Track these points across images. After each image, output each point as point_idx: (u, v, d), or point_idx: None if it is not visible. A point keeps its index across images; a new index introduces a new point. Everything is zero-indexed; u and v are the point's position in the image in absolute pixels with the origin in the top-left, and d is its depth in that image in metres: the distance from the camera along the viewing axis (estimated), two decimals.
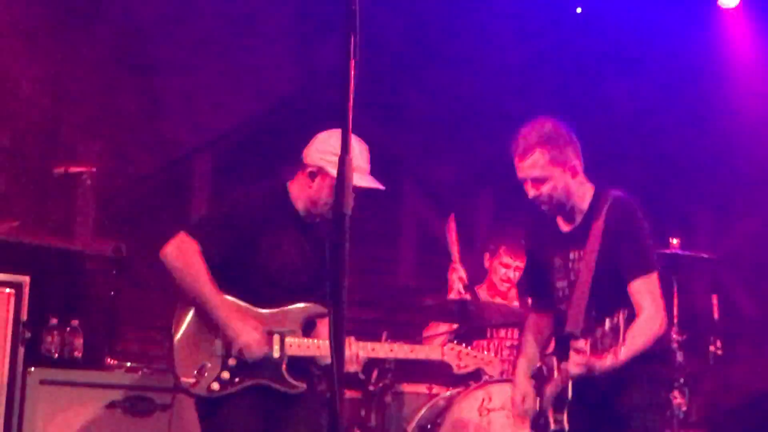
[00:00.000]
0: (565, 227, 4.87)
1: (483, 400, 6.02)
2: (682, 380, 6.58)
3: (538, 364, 4.91)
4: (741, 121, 8.94)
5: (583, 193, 4.82)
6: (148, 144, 8.14)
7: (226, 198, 5.12)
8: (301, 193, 5.00)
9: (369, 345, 5.12)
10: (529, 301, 5.24)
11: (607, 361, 4.31)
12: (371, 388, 6.12)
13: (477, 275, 7.09)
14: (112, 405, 5.85)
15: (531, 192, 4.77)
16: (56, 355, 6.06)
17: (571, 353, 4.45)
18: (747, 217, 9.24)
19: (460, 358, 5.29)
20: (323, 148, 4.93)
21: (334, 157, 4.81)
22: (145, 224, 7.98)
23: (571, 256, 4.78)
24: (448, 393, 6.20)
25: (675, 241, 6.42)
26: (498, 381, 6.01)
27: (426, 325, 6.85)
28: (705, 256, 6.85)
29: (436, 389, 6.37)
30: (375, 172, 4.96)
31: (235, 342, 4.80)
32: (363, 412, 6.24)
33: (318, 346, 4.90)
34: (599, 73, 8.69)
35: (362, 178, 4.87)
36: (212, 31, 8.20)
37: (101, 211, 7.90)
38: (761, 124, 8.87)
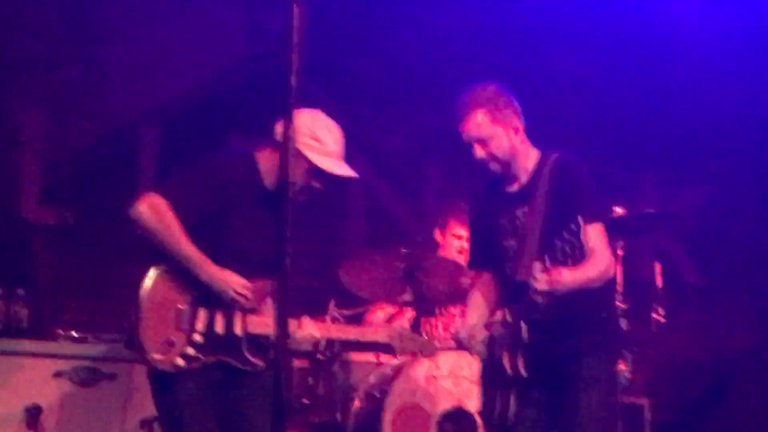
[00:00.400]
0: (510, 188, 4.97)
1: (430, 368, 6.07)
2: (625, 348, 6.66)
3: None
4: (687, 89, 9.01)
5: (527, 153, 4.97)
6: (94, 113, 8.06)
7: (195, 165, 4.92)
8: (271, 169, 4.90)
9: (322, 325, 5.10)
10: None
11: (568, 276, 4.54)
12: (319, 357, 6.13)
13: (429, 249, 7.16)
14: (58, 374, 5.83)
15: (477, 152, 4.91)
16: (1, 325, 6.03)
17: (534, 274, 4.54)
18: (690, 186, 9.33)
19: (402, 340, 5.30)
20: (302, 131, 4.84)
21: (314, 142, 4.90)
22: (91, 193, 7.91)
23: (518, 213, 4.88)
24: (396, 362, 6.24)
25: (619, 209, 6.48)
26: (445, 349, 6.05)
27: (370, 308, 6.88)
28: (651, 211, 6.86)
29: (383, 358, 6.41)
30: None
31: (226, 292, 4.75)
32: (311, 381, 6.26)
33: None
34: (545, 44, 8.70)
35: (338, 166, 4.94)
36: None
37: (46, 179, 7.82)
38: (707, 91, 8.96)
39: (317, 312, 5.56)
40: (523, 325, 4.68)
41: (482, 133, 4.86)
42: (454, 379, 6.03)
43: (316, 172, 4.90)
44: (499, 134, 4.86)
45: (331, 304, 6.08)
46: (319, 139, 4.91)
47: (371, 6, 8.51)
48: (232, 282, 4.75)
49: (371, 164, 8.85)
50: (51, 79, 7.93)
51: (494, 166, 4.91)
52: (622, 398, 6.63)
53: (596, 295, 4.83)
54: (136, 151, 8.20)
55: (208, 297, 4.76)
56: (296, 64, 3.15)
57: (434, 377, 6.03)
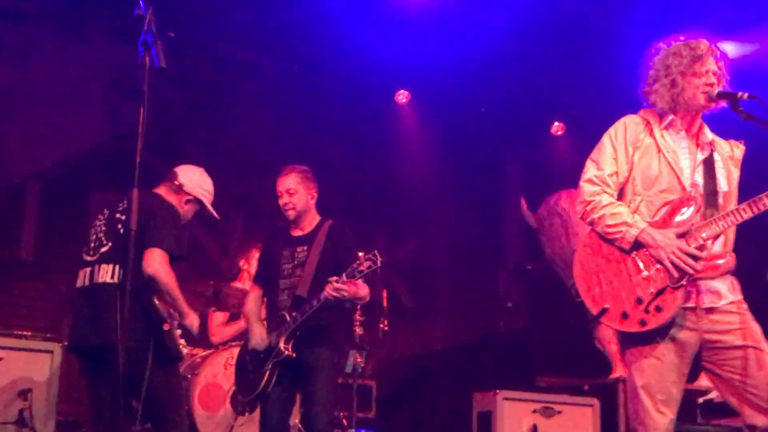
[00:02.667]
0: (296, 232, 5.00)
1: (227, 358, 6.00)
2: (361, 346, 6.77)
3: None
4: (406, 175, 9.29)
5: (314, 213, 5.02)
6: None
7: (157, 213, 4.37)
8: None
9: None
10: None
11: (354, 288, 4.67)
12: None
13: (231, 273, 7.14)
14: None
15: (285, 199, 4.93)
16: None
17: (329, 284, 4.59)
18: (409, 238, 9.57)
19: None
20: (203, 185, 4.74)
21: (208, 195, 4.77)
22: None
23: (299, 249, 4.91)
24: (204, 353, 6.15)
25: (361, 254, 6.59)
26: (237, 344, 6.00)
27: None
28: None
29: (195, 350, 6.29)
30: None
31: (193, 327, 4.49)
32: None
33: None
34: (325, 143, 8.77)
35: (214, 210, 4.82)
36: (46, 92, 7.82)
37: None
38: (420, 178, 9.27)
39: None
40: (297, 321, 4.72)
41: (292, 186, 4.90)
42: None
43: (201, 213, 4.79)
44: (302, 192, 4.92)
45: None
46: (210, 191, 4.81)
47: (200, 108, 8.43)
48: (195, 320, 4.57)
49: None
50: None
51: (291, 212, 4.94)
52: (357, 381, 6.72)
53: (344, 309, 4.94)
54: (22, 205, 7.79)
55: None
56: (141, 145, 3.12)
57: (230, 364, 5.96)
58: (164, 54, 3.13)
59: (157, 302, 4.29)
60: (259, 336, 4.85)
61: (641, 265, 3.46)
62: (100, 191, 7.76)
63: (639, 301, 3.40)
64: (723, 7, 6.87)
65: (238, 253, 7.28)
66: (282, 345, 4.72)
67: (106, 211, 4.54)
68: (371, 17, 7.71)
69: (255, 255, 6.77)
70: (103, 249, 4.38)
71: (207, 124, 8.44)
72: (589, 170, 3.61)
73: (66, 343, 4.96)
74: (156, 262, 4.23)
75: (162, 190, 4.64)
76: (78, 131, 7.99)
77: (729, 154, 3.68)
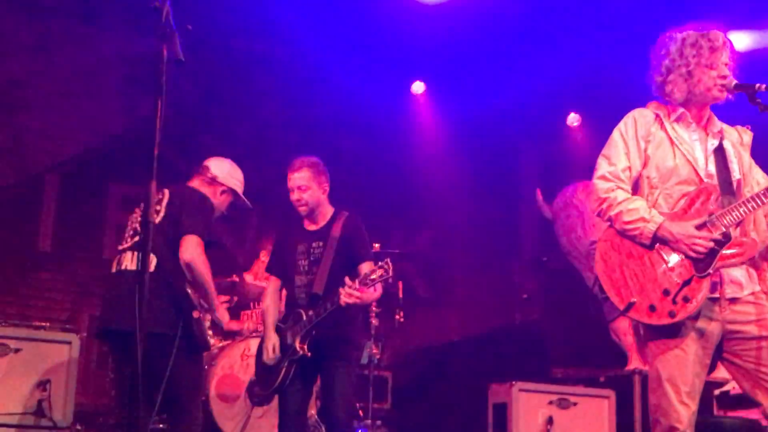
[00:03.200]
0: (311, 227, 4.98)
1: (244, 349, 6.03)
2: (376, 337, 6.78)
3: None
4: (421, 167, 9.27)
5: (327, 206, 4.99)
6: (9, 163, 7.70)
7: (190, 202, 4.48)
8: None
9: None
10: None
11: (367, 295, 4.67)
12: None
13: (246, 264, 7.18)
14: None
15: (296, 195, 4.91)
16: None
17: (342, 290, 4.58)
18: (424, 230, 9.56)
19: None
20: (235, 175, 4.83)
21: (240, 184, 4.83)
22: None
23: (314, 245, 4.91)
24: (221, 344, 6.18)
25: (377, 245, 6.61)
26: (255, 336, 6.03)
27: None
28: (397, 251, 7.03)
29: (213, 341, 6.31)
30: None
31: (223, 321, 4.65)
32: None
33: None
34: (339, 134, 8.76)
35: (246, 200, 4.88)
36: (63, 85, 7.87)
37: None
38: (435, 169, 9.25)
39: None
40: (313, 322, 4.73)
41: (304, 183, 4.88)
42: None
43: (236, 203, 4.85)
44: (314, 188, 4.90)
45: None
46: (242, 180, 4.87)
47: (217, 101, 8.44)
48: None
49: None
50: None
51: (303, 209, 4.93)
52: (373, 372, 6.73)
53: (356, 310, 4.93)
54: (41, 195, 7.83)
55: None
56: (158, 137, 3.13)
57: (246, 355, 6.00)
58: (181, 47, 3.14)
59: (189, 290, 4.32)
60: (271, 349, 4.85)
61: (665, 256, 3.46)
62: (118, 183, 7.82)
63: (666, 292, 3.40)
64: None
65: (255, 245, 7.30)
66: (298, 344, 4.75)
67: (142, 204, 4.60)
68: (386, 8, 7.71)
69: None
70: (136, 238, 4.44)
71: (222, 116, 8.45)
72: (602, 167, 3.60)
73: (85, 334, 5.01)
74: (193, 250, 4.27)
75: (195, 183, 4.70)
76: (95, 124, 8.02)
77: (738, 140, 3.68)
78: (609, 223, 3.58)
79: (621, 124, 3.66)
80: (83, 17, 7.90)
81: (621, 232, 3.53)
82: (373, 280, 4.58)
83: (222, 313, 4.53)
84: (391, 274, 4.57)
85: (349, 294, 4.59)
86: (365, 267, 4.75)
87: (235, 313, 6.49)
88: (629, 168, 3.58)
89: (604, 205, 3.56)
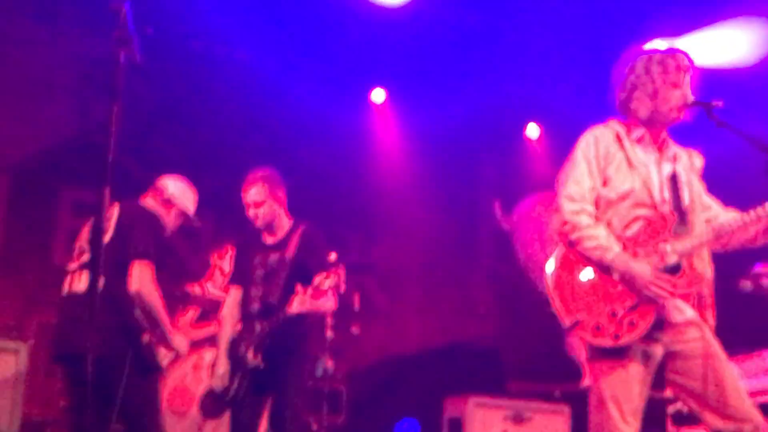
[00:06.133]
0: (268, 240, 4.96)
1: (196, 360, 5.97)
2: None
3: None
4: (380, 177, 9.26)
5: (284, 218, 4.96)
6: None
7: (139, 222, 4.40)
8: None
9: None
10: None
11: (320, 303, 4.69)
12: None
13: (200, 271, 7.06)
14: None
15: (251, 211, 4.88)
16: None
17: (294, 298, 4.61)
18: (380, 243, 9.53)
19: None
20: (188, 195, 4.76)
21: (193, 205, 4.77)
22: None
23: (271, 256, 4.89)
24: (171, 355, 6.05)
25: (333, 255, 6.56)
26: (209, 348, 5.97)
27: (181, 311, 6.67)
28: (354, 262, 7.00)
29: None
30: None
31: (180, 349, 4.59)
32: None
33: None
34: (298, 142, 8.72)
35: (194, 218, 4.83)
36: (15, 85, 7.72)
37: None
38: (393, 180, 9.23)
39: None
40: (266, 332, 4.70)
41: (258, 198, 4.85)
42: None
43: (186, 223, 4.79)
44: (269, 203, 4.87)
45: None
46: (195, 200, 4.81)
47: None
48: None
49: None
50: None
51: (259, 223, 4.91)
52: (327, 385, 6.68)
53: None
54: None
55: None
56: (113, 142, 3.07)
57: (198, 366, 5.93)
58: (140, 50, 3.09)
59: (137, 313, 4.27)
60: (219, 375, 4.80)
61: (616, 277, 3.49)
62: (71, 187, 7.69)
63: (613, 314, 3.43)
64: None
65: (209, 250, 7.21)
66: (250, 355, 4.72)
67: (92, 220, 4.54)
68: (348, 15, 7.70)
69: (228, 252, 6.74)
70: (84, 257, 4.37)
71: (178, 121, 8.37)
72: (568, 186, 3.61)
73: (33, 342, 4.93)
74: (142, 278, 4.20)
75: (149, 201, 4.65)
76: (48, 126, 7.89)
77: (689, 165, 3.73)
78: (569, 246, 3.59)
79: (582, 143, 3.67)
80: (38, 17, 7.78)
81: (579, 250, 3.55)
82: (325, 286, 4.55)
83: (179, 342, 4.48)
84: (343, 280, 4.55)
85: (301, 301, 4.57)
86: (319, 277, 4.73)
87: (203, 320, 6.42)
88: (593, 188, 3.60)
89: (567, 227, 3.58)
